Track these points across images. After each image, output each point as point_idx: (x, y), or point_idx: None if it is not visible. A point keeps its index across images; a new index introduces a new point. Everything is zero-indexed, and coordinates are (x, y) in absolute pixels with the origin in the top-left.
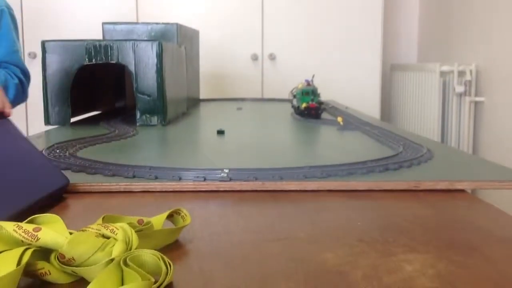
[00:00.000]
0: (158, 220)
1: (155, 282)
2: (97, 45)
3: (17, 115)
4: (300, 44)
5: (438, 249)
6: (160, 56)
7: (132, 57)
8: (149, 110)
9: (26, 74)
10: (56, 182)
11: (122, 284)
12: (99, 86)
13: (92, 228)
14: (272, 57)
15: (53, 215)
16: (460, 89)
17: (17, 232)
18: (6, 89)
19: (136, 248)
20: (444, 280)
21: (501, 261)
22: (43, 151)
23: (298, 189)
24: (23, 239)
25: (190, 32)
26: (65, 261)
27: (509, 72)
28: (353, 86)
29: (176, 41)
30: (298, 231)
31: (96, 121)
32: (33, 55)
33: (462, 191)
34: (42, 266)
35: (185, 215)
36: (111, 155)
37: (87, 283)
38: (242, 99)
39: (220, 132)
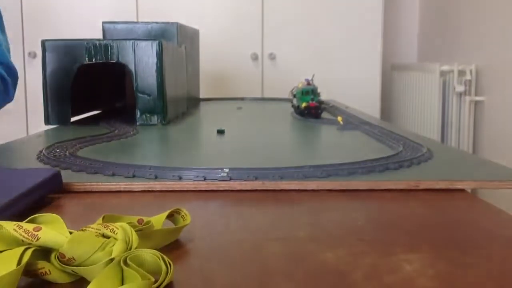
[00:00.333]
0: (158, 220)
1: (155, 282)
2: (97, 45)
3: (17, 115)
4: (300, 44)
5: (438, 249)
6: (160, 55)
7: (132, 57)
8: (149, 110)
9: (11, 71)
10: (37, 176)
11: (122, 284)
12: (99, 86)
13: (92, 228)
14: (272, 57)
15: (53, 214)
16: (460, 88)
17: (17, 232)
18: None
19: (136, 248)
20: (444, 280)
21: (502, 260)
22: (43, 151)
23: (298, 188)
24: (23, 238)
25: (190, 31)
26: (65, 261)
27: (509, 71)
28: (353, 85)
29: (176, 41)
30: (298, 230)
31: (96, 120)
32: (33, 55)
33: (462, 190)
34: (42, 266)
35: (185, 214)
36: (111, 155)
37: (87, 282)
38: (242, 99)
39: (220, 132)
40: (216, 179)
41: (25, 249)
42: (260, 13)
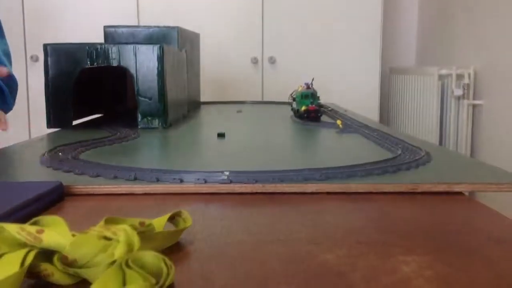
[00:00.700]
0: (160, 222)
1: (157, 283)
2: (99, 49)
3: (19, 118)
4: (299, 48)
5: (436, 251)
6: (161, 59)
7: (133, 60)
8: (150, 113)
9: (10, 80)
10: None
11: (124, 285)
12: (100, 89)
13: (95, 230)
14: (272, 61)
15: (56, 217)
16: (458, 92)
17: (20, 234)
18: None
19: (137, 250)
20: (441, 281)
21: (499, 263)
22: (46, 154)
23: (297, 191)
24: (26, 241)
25: (191, 35)
26: (68, 263)
27: (507, 75)
28: (352, 89)
29: (177, 45)
30: (298, 232)
31: (98, 124)
32: (35, 58)
33: (460, 193)
34: (45, 268)
35: (186, 217)
36: (112, 158)
37: (90, 284)
38: (242, 102)
39: (221, 135)
40: (217, 182)
41: (28, 251)
42: (260, 17)
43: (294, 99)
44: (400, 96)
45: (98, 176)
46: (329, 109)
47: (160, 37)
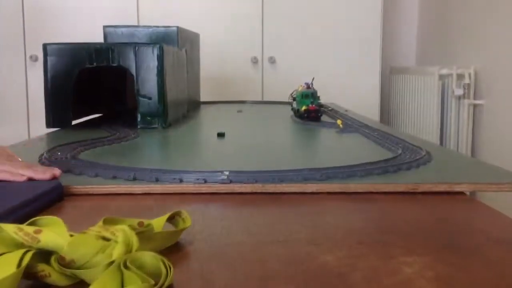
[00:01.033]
0: (159, 222)
1: (155, 284)
2: (99, 48)
3: (18, 118)
4: (299, 48)
5: (437, 251)
6: (161, 59)
7: (133, 60)
8: (150, 113)
9: None
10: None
11: (122, 286)
12: (100, 89)
13: (93, 230)
14: (272, 60)
15: (54, 217)
16: (459, 92)
17: (17, 234)
18: None
19: (136, 250)
20: (442, 282)
21: (500, 263)
22: (45, 154)
23: (297, 191)
24: (23, 241)
25: (190, 35)
26: (65, 264)
27: (507, 75)
28: (352, 89)
29: (176, 44)
30: (298, 233)
31: (97, 123)
32: (34, 58)
33: (461, 193)
34: (42, 269)
35: (186, 217)
36: (112, 158)
37: (87, 285)
38: (242, 102)
39: (221, 135)
40: (217, 182)
41: (25, 252)
42: (260, 17)
43: (294, 99)
44: (401, 96)
45: (97, 176)
46: (329, 109)
47: (160, 37)
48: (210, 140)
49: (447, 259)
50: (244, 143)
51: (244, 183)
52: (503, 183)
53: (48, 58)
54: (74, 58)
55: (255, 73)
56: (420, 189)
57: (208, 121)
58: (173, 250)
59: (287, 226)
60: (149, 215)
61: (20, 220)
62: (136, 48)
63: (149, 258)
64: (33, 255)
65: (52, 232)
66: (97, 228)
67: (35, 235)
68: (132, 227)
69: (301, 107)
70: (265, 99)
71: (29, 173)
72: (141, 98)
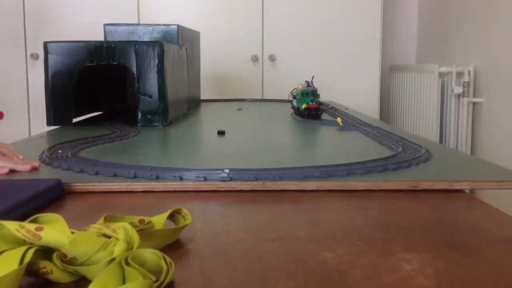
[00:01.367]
0: (159, 220)
1: (156, 281)
2: (99, 46)
3: (19, 116)
4: (300, 46)
5: (436, 249)
6: (161, 57)
7: (133, 58)
8: (150, 111)
9: None
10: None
11: (124, 283)
12: (100, 87)
13: (94, 228)
14: (272, 58)
15: (55, 214)
16: (458, 90)
17: (19, 232)
18: None
19: (137, 248)
20: (442, 279)
21: (499, 260)
22: (46, 151)
23: (297, 189)
24: (25, 238)
25: (191, 33)
26: (67, 260)
27: (507, 73)
28: (352, 87)
29: (177, 43)
30: (297, 230)
31: (98, 121)
32: (35, 56)
33: (460, 191)
34: (44, 265)
35: (186, 214)
36: (112, 156)
37: (89, 282)
38: (243, 100)
39: (221, 133)
40: (217, 180)
41: (27, 249)
42: (260, 15)
43: (294, 97)
44: (400, 94)
45: (97, 173)
46: (329, 107)
47: (160, 35)
48: (210, 138)
49: (447, 256)
50: (244, 141)
51: (244, 181)
52: (503, 181)
53: (49, 56)
54: (74, 56)
55: (255, 71)
56: (420, 187)
57: (208, 119)
58: (173, 247)
59: (287, 224)
60: (150, 213)
61: (22, 218)
62: (137, 46)
63: (150, 255)
64: (35, 252)
65: (53, 230)
66: (98, 226)
67: (36, 232)
68: (133, 225)
69: (301, 105)
70: (265, 97)
71: (11, 165)
72: (141, 96)
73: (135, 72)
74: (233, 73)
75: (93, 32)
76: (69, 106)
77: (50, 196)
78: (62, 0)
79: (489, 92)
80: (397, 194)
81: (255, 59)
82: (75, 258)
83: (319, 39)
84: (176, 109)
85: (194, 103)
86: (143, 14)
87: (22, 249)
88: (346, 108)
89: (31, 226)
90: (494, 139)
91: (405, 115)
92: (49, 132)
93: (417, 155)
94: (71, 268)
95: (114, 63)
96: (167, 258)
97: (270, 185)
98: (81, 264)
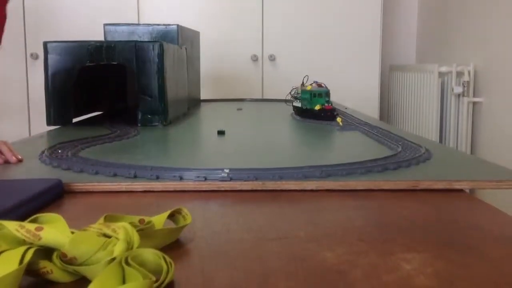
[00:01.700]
0: (159, 220)
1: (156, 281)
2: (99, 46)
3: (19, 116)
4: (300, 46)
5: (436, 248)
6: (161, 57)
7: (133, 58)
8: (150, 111)
9: None
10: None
11: (124, 283)
12: (100, 87)
13: (94, 228)
14: (272, 58)
15: (55, 214)
16: (458, 89)
17: (19, 232)
18: None
19: (137, 247)
20: (442, 279)
21: (499, 260)
22: (45, 151)
23: (297, 188)
24: (25, 238)
25: (190, 33)
26: (67, 260)
27: (507, 72)
28: (352, 86)
29: (177, 42)
30: (297, 230)
31: (98, 121)
32: (35, 56)
33: (460, 190)
34: (44, 265)
35: (186, 214)
36: (112, 155)
37: (89, 282)
38: (242, 100)
39: (221, 133)
40: (217, 180)
41: (27, 249)
42: (260, 15)
43: (295, 97)
44: (400, 93)
45: (97, 173)
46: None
47: (160, 35)
48: (210, 137)
49: (447, 256)
50: (244, 140)
51: (244, 181)
52: (502, 180)
53: (49, 56)
54: (74, 56)
55: (255, 71)
56: (420, 187)
57: (208, 119)
58: (173, 247)
59: (287, 223)
60: (150, 213)
61: (22, 218)
62: (137, 46)
63: (150, 255)
64: (35, 252)
65: (53, 229)
66: (98, 225)
67: (36, 232)
68: (133, 224)
69: (314, 106)
70: (265, 97)
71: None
72: (141, 96)
73: (135, 72)
74: (233, 73)
75: (93, 32)
76: (69, 106)
77: (50, 196)
78: (62, 0)
79: (489, 92)
80: (397, 194)
81: (255, 59)
82: (75, 258)
83: (319, 39)
84: (176, 109)
85: (194, 103)
86: (143, 14)
87: (22, 249)
88: (346, 108)
89: (31, 226)
90: (494, 139)
91: (405, 115)
92: (49, 132)
93: (417, 155)
94: (71, 268)
95: (114, 63)
96: (167, 258)
97: (270, 185)
98: (81, 264)
